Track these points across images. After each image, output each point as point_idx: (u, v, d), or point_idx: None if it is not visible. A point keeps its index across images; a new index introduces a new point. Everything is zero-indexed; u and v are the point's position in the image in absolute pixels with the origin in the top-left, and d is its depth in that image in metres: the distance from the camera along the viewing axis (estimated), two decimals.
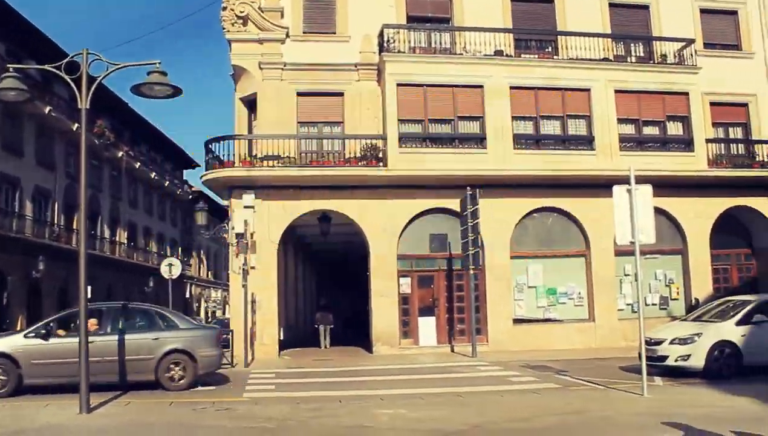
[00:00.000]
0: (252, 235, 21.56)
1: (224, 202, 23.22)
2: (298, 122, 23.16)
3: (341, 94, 23.33)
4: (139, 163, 45.95)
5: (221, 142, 22.61)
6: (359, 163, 22.11)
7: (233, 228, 21.74)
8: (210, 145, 22.58)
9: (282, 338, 23.50)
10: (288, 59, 23.01)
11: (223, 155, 22.38)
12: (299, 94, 23.16)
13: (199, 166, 51.89)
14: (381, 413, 11.24)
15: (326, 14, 23.83)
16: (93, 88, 11.60)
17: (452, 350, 22.29)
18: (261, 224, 21.97)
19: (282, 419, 10.81)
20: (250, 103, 23.90)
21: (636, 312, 14.23)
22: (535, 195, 23.41)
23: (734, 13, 26.97)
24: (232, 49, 23.22)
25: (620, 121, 23.90)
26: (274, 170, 21.66)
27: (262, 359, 21.23)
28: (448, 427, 9.89)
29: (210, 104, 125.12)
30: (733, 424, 9.38)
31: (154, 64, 11.75)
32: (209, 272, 66.64)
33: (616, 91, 23.87)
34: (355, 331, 29.19)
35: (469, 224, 20.49)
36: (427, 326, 22.91)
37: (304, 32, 23.58)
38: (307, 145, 22.96)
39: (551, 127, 23.69)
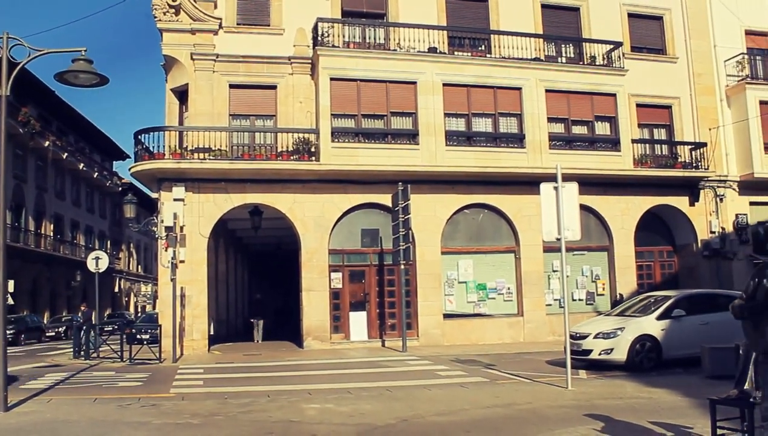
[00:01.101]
0: (182, 228, 21.27)
1: (154, 195, 22.82)
2: (230, 115, 22.92)
3: (274, 88, 23.17)
4: (66, 154, 44.74)
5: (151, 133, 22.20)
6: (291, 158, 22.00)
7: (162, 221, 21.43)
8: (140, 137, 22.14)
9: (213, 333, 23.28)
10: (221, 51, 22.72)
11: (153, 147, 22.00)
12: (232, 86, 22.90)
13: (129, 157, 50.92)
14: (309, 408, 11.26)
15: (260, 6, 23.64)
16: (14, 74, 11.27)
17: (383, 345, 22.41)
18: (191, 217, 21.69)
19: (209, 415, 10.73)
20: (182, 95, 23.56)
21: (562, 307, 14.57)
22: (466, 191, 23.68)
23: (660, 18, 27.78)
24: (163, 39, 22.82)
25: (550, 120, 24.34)
26: (204, 163, 21.38)
27: (191, 354, 21.01)
28: (376, 421, 9.95)
29: (143, 95, 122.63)
30: (651, 414, 9.73)
31: (80, 51, 11.48)
32: (139, 266, 65.45)
33: (547, 91, 24.30)
34: (287, 326, 29.06)
35: (401, 219, 20.62)
36: (358, 321, 22.97)
37: (237, 24, 23.35)
38: (239, 138, 22.71)
39: (483, 125, 23.97)
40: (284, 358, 19.93)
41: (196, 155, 21.56)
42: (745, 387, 7.26)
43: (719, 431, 7.58)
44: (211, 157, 21.51)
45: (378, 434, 9.14)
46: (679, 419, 9.29)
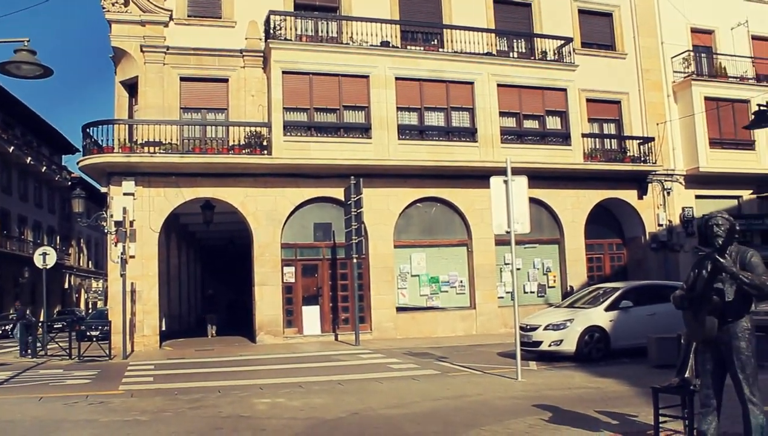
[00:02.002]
0: (132, 223, 20.98)
1: (103, 189, 22.45)
2: (181, 108, 22.63)
3: (226, 81, 22.95)
4: (12, 148, 43.66)
5: (100, 126, 21.82)
6: (243, 151, 21.84)
7: (112, 216, 21.11)
8: (88, 130, 21.75)
9: (164, 328, 23.03)
10: (171, 43, 22.42)
11: (102, 140, 21.63)
12: (182, 79, 22.61)
13: (79, 151, 49.91)
14: (260, 403, 11.21)
15: None
16: None
17: (336, 339, 22.41)
18: (141, 211, 21.40)
19: (157, 411, 10.62)
20: (131, 87, 23.19)
21: (520, 300, 14.74)
22: (419, 185, 23.78)
23: (609, 15, 28.25)
24: (112, 30, 22.40)
25: (502, 114, 24.56)
26: (155, 157, 21.07)
27: (142, 350, 20.76)
28: (326, 415, 9.95)
29: (92, 87, 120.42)
30: (598, 404, 9.90)
31: (22, 42, 11.22)
32: (90, 262, 64.29)
33: (499, 85, 24.50)
34: (240, 321, 28.86)
35: (353, 213, 20.63)
36: (311, 315, 22.91)
37: (188, 16, 23.07)
38: (190, 131, 22.45)
39: (435, 119, 24.05)
40: (236, 353, 19.80)
41: (146, 149, 21.23)
42: (685, 375, 7.42)
43: (662, 418, 7.76)
44: (162, 151, 21.24)
45: (327, 428, 9.15)
46: (625, 408, 9.48)
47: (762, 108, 17.18)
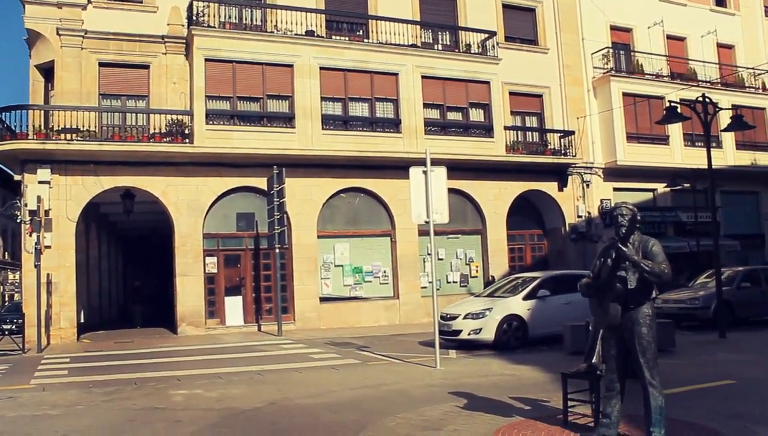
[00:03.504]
0: (47, 212, 20.34)
1: (17, 177, 21.73)
2: (100, 94, 22.03)
3: (147, 67, 22.45)
4: None
5: (13, 111, 20.99)
6: (164, 140, 21.41)
7: (26, 205, 20.44)
8: (1, 115, 20.96)
9: (83, 321, 22.47)
10: (90, 27, 21.79)
11: (16, 126, 20.83)
12: (101, 64, 22.03)
13: None
14: (176, 394, 11.09)
15: None
16: None
17: (259, 329, 22.28)
18: (58, 200, 20.79)
19: (70, 405, 10.38)
20: (47, 72, 22.49)
21: (438, 289, 14.91)
22: (343, 175, 23.78)
23: (532, 10, 28.78)
24: (26, 12, 21.65)
25: (426, 105, 24.77)
26: (72, 144, 20.46)
27: (58, 343, 20.23)
28: (243, 405, 9.89)
29: (4, 70, 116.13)
30: (513, 390, 10.11)
31: None
32: (6, 253, 62.10)
33: (423, 77, 24.69)
34: (163, 312, 28.37)
35: (276, 202, 20.52)
36: (234, 306, 22.70)
37: None
38: (109, 118, 21.86)
39: (360, 109, 24.09)
40: (157, 345, 19.47)
41: (63, 136, 20.60)
42: (593, 361, 7.66)
43: (571, 403, 8.01)
44: (80, 139, 20.64)
45: (243, 418, 9.09)
46: (539, 394, 9.72)
47: (673, 104, 17.78)
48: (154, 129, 21.61)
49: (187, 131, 21.66)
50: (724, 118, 24.00)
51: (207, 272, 22.35)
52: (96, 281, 28.56)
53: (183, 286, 21.81)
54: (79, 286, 21.78)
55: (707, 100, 17.55)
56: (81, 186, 21.15)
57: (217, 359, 15.80)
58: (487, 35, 26.32)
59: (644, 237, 6.80)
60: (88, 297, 25.96)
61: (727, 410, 8.43)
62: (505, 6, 28.06)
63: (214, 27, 22.36)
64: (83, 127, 20.82)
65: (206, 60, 21.88)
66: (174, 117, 21.73)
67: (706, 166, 17.54)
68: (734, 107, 25.28)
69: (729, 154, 30.71)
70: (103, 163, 21.13)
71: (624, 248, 6.63)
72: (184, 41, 22.53)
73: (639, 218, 6.90)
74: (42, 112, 21.53)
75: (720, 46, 33.25)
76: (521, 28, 28.53)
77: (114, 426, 8.86)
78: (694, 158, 26.92)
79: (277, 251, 21.02)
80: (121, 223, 30.80)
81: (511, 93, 27.23)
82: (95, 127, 21.16)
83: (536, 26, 28.75)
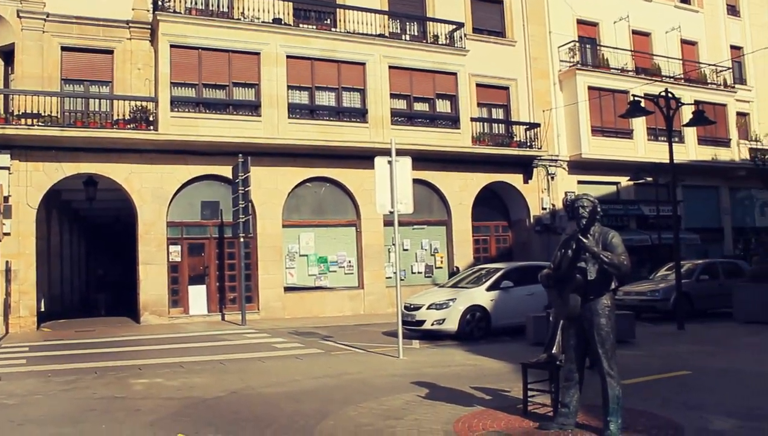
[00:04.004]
0: (6, 199, 19.92)
1: None
2: (62, 79, 21.65)
3: (111, 52, 22.14)
4: None
5: None
6: (128, 126, 21.12)
7: None
8: None
9: (44, 309, 22.15)
10: (52, 10, 21.35)
11: None
12: (64, 48, 21.63)
13: None
14: (137, 383, 11.00)
15: None
16: None
17: (223, 319, 22.16)
18: (18, 187, 20.40)
19: (27, 394, 10.21)
20: (7, 55, 22.01)
21: (403, 279, 14.95)
22: (309, 165, 23.68)
23: (500, 2, 28.90)
24: None
25: (393, 96, 24.77)
26: (33, 129, 20.10)
27: (17, 332, 19.87)
28: (204, 394, 9.84)
29: None
30: (474, 380, 10.20)
31: None
32: None
33: (390, 67, 24.68)
34: (127, 301, 28.08)
35: (241, 191, 20.39)
36: (198, 295, 22.53)
37: None
38: (71, 104, 21.51)
39: (326, 99, 24.02)
40: (118, 334, 19.24)
41: (23, 121, 20.23)
42: (553, 351, 7.75)
43: (531, 393, 8.11)
44: (41, 124, 20.29)
45: (204, 407, 9.05)
46: (500, 384, 9.82)
47: (637, 99, 17.99)
48: (118, 115, 21.30)
49: (151, 118, 21.39)
50: (687, 114, 24.31)
51: (171, 260, 22.15)
52: (58, 269, 28.12)
53: (146, 274, 21.59)
54: (39, 274, 21.43)
55: (670, 95, 17.77)
56: (42, 172, 20.79)
57: (179, 348, 15.68)
58: (454, 27, 26.35)
59: (604, 229, 6.88)
60: (50, 285, 25.57)
61: (683, 400, 8.58)
62: None
63: (180, 13, 22.05)
64: (45, 112, 20.41)
65: (171, 46, 21.61)
66: (138, 103, 21.43)
67: (668, 161, 17.78)
68: (696, 103, 25.57)
69: (691, 149, 31.19)
70: (65, 149, 20.77)
71: (584, 240, 6.70)
72: (149, 27, 22.25)
73: (600, 209, 6.97)
74: (2, 96, 21.11)
75: (684, 42, 33.67)
76: (489, 20, 28.62)
77: (72, 415, 8.75)
78: (657, 153, 27.30)
79: (242, 240, 20.90)
80: (84, 210, 30.42)
81: (477, 85, 27.31)
82: (57, 112, 20.79)
83: (504, 18, 28.84)
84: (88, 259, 37.90)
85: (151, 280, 21.61)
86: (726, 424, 7.43)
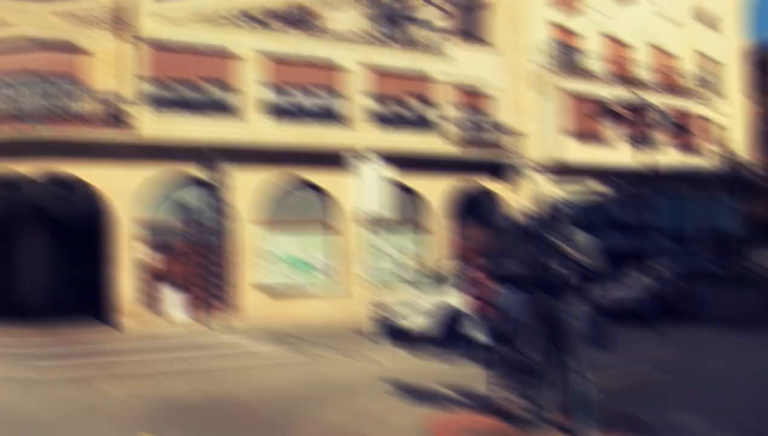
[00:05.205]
0: None
1: None
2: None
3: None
4: None
5: None
6: (99, 125, 20.69)
7: None
8: None
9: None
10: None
11: None
12: None
13: None
14: (110, 389, 10.84)
15: None
16: None
17: (198, 322, 21.83)
18: None
19: None
20: None
21: (381, 282, 14.95)
22: (286, 166, 23.49)
23: (479, 6, 28.87)
24: None
25: (369, 97, 24.93)
26: None
27: None
28: (180, 399, 9.87)
29: None
30: (452, 382, 10.24)
31: None
32: None
33: (367, 69, 24.89)
34: (95, 302, 27.61)
35: (216, 193, 20.17)
36: (172, 298, 22.18)
37: None
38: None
39: (302, 99, 24.02)
40: (88, 338, 18.84)
41: None
42: (526, 352, 7.83)
43: (505, 393, 8.26)
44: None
45: (180, 413, 9.03)
46: (477, 385, 9.69)
47: (613, 105, 18.06)
48: (86, 113, 20.93)
49: (124, 117, 21.10)
50: (665, 122, 24.49)
51: (142, 261, 21.79)
52: (20, 271, 27.52)
53: (117, 277, 21.25)
54: (1, 275, 20.93)
55: (647, 102, 17.85)
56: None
57: (153, 352, 15.50)
58: (433, 29, 26.36)
59: (579, 232, 6.96)
60: (12, 287, 25.11)
61: (656, 401, 8.71)
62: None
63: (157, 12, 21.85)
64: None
65: (148, 44, 21.43)
66: (110, 101, 21.11)
67: (645, 167, 17.84)
68: (673, 111, 25.80)
69: (669, 157, 31.28)
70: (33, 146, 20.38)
71: (558, 242, 6.79)
72: (124, 23, 21.94)
73: (575, 213, 7.08)
74: None
75: (660, 51, 33.96)
76: (466, 23, 28.64)
77: (45, 422, 8.62)
78: (636, 159, 27.39)
79: (219, 242, 20.65)
80: (51, 209, 29.84)
81: (453, 87, 27.30)
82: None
83: (481, 22, 28.89)
84: (54, 260, 37.05)
85: (123, 282, 21.24)
86: (700, 424, 7.52)
